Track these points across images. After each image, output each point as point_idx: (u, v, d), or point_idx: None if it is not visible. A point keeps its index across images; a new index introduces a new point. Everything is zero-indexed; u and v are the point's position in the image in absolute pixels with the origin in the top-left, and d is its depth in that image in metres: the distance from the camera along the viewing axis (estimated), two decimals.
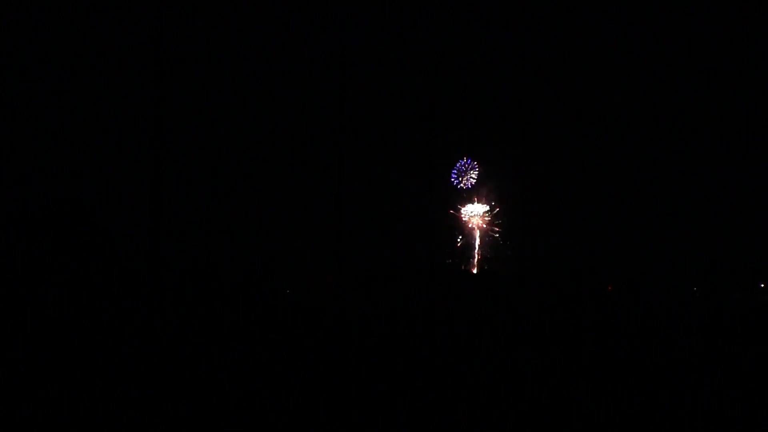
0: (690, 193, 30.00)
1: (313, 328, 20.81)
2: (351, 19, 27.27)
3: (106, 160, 24.62)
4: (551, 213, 30.30)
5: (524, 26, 28.78)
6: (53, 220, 23.27)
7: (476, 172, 33.90)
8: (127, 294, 22.16)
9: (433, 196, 29.32)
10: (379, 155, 29.07)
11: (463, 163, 34.00)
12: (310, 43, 27.38)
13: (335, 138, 27.28)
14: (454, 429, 10.83)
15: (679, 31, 28.98)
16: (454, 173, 34.03)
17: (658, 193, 30.10)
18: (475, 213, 34.24)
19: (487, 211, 34.07)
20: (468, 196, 34.44)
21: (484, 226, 34.21)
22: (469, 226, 34.28)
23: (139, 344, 16.97)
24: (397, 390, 12.78)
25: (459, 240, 34.11)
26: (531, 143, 30.21)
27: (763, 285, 29.64)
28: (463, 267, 33.74)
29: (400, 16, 27.94)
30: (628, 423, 11.26)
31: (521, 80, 29.47)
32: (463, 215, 34.29)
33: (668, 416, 11.57)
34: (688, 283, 29.69)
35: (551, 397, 12.58)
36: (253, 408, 11.69)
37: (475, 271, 33.55)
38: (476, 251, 33.79)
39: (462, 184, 33.81)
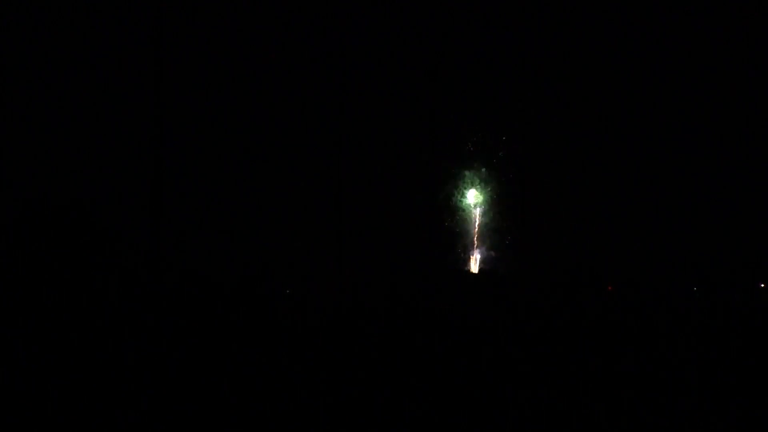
0: (690, 193, 29.96)
1: (314, 328, 20.80)
2: (351, 19, 27.28)
3: (106, 160, 24.59)
4: (551, 213, 30.28)
5: (525, 26, 28.77)
6: (52, 220, 23.26)
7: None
8: (126, 294, 22.15)
9: (433, 195, 29.32)
10: (379, 154, 29.05)
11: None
12: (310, 43, 27.36)
13: (335, 137, 27.30)
14: (454, 429, 10.84)
15: (679, 31, 28.96)
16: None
17: (658, 193, 30.06)
18: (475, 212, 34.21)
19: (487, 211, 34.04)
20: (468, 197, 34.40)
21: (484, 225, 34.20)
22: (469, 225, 34.27)
23: (139, 345, 16.96)
24: (398, 390, 12.79)
25: (459, 240, 34.10)
26: (531, 142, 30.21)
27: (763, 285, 29.60)
28: (462, 267, 33.73)
29: (400, 15, 27.93)
30: (629, 423, 11.26)
31: (521, 79, 29.48)
32: (463, 215, 34.28)
33: (669, 416, 11.57)
34: (688, 283, 29.64)
35: (551, 397, 12.58)
36: (254, 408, 11.69)
37: (474, 270, 33.54)
38: (476, 251, 33.76)
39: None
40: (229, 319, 21.89)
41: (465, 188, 34.75)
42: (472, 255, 34.92)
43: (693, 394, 12.46)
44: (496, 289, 30.06)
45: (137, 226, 23.40)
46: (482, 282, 32.42)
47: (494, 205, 34.20)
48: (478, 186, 34.69)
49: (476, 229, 34.73)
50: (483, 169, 34.15)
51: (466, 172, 34.63)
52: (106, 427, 10.36)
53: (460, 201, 34.34)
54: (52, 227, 22.99)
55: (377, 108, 28.71)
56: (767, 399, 12.29)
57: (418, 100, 28.48)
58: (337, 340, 18.73)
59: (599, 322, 23.40)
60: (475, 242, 34.90)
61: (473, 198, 34.38)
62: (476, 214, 34.69)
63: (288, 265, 26.96)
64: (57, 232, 22.96)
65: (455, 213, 34.35)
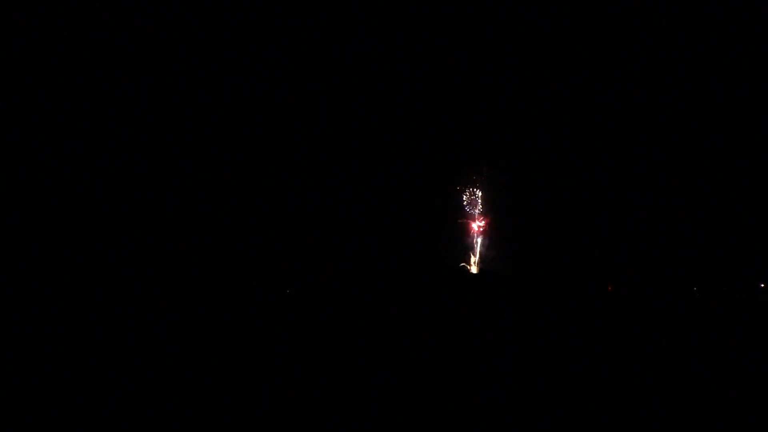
0: (690, 192, 29.98)
1: (314, 327, 20.81)
2: (351, 18, 27.29)
3: (106, 157, 24.62)
4: (551, 212, 30.29)
5: (526, 26, 28.79)
6: (52, 220, 23.27)
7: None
8: (126, 293, 22.16)
9: (433, 195, 29.33)
10: (380, 154, 29.07)
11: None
12: (310, 41, 27.38)
13: (336, 137, 27.30)
14: (454, 429, 10.83)
15: (680, 32, 28.98)
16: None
17: (658, 193, 30.08)
18: (475, 212, 34.19)
19: (487, 211, 34.02)
20: (468, 197, 34.39)
21: (484, 225, 34.18)
22: (470, 225, 34.24)
23: (138, 344, 16.97)
24: (398, 389, 12.79)
25: (459, 239, 34.10)
26: (531, 142, 30.22)
27: (763, 285, 29.62)
28: (462, 267, 33.74)
29: (400, 15, 27.95)
30: (628, 423, 11.26)
31: (521, 78, 29.49)
32: (463, 214, 34.26)
33: (668, 416, 11.57)
34: (688, 283, 29.66)
35: (551, 396, 12.58)
36: (253, 408, 11.69)
37: (474, 270, 33.54)
38: (476, 251, 33.75)
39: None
40: (229, 318, 21.90)
41: (465, 188, 34.79)
42: (472, 255, 34.95)
43: (693, 393, 12.47)
44: (496, 288, 30.07)
45: (137, 226, 23.42)
46: (482, 282, 32.44)
47: (494, 205, 34.24)
48: (478, 186, 34.73)
49: (476, 229, 34.78)
50: (484, 169, 34.20)
51: (467, 172, 34.68)
52: (107, 424, 10.37)
53: (461, 201, 34.40)
54: (52, 226, 22.99)
55: (378, 108, 28.75)
56: (767, 399, 12.31)
57: (419, 100, 28.51)
58: (336, 339, 18.74)
59: (599, 322, 23.40)
60: (476, 242, 34.94)
61: (474, 198, 34.42)
62: (476, 214, 34.74)
63: (288, 264, 26.99)
64: (57, 231, 22.97)
65: (455, 213, 34.38)
